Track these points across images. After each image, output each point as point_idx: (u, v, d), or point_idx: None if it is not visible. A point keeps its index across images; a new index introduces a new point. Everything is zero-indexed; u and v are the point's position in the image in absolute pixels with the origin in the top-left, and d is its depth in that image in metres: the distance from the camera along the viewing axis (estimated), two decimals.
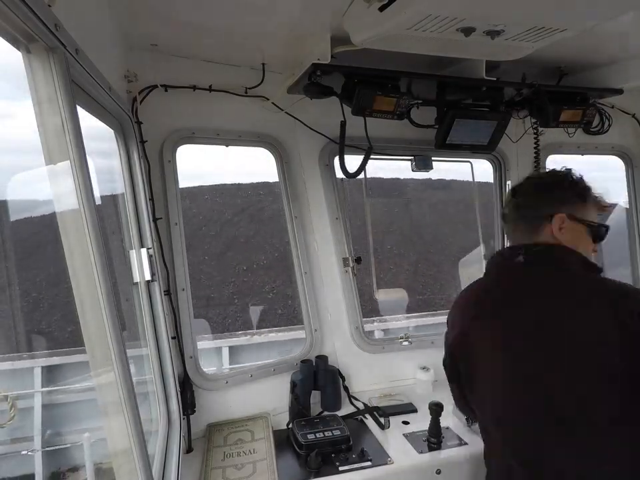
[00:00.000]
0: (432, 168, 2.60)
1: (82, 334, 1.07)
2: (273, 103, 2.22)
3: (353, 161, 2.11)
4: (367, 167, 2.13)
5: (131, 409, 1.12)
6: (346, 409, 2.29)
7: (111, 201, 1.84)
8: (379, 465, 1.81)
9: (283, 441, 2.00)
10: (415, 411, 2.26)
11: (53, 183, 1.03)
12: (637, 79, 2.22)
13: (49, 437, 4.33)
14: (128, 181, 1.81)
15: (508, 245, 1.53)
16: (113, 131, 1.74)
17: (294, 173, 2.39)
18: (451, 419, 2.14)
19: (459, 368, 1.49)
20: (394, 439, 2.01)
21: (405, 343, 2.56)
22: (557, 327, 1.23)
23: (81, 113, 1.12)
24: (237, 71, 2.17)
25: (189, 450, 1.97)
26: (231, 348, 5.02)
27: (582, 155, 2.97)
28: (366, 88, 1.89)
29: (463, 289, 1.60)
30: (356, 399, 2.37)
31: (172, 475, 1.58)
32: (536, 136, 2.51)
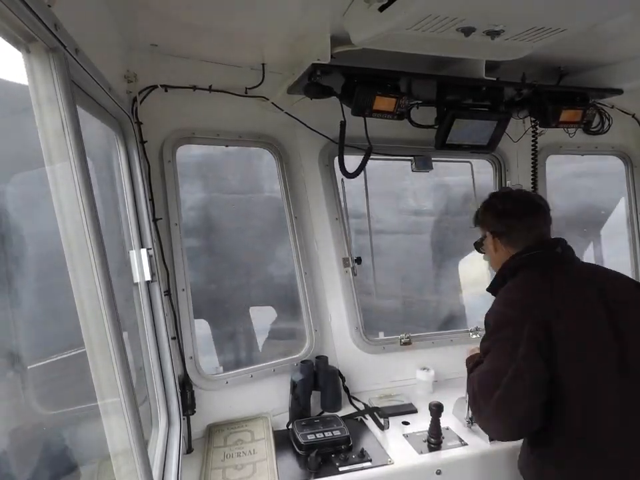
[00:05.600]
0: (432, 168, 2.60)
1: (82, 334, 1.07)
2: (272, 103, 2.22)
3: (353, 161, 2.11)
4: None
5: (131, 409, 1.12)
6: (346, 409, 2.29)
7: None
8: (379, 466, 1.81)
9: (283, 442, 2.00)
10: (415, 411, 2.26)
11: (53, 183, 1.02)
12: (637, 78, 2.22)
13: None
14: (128, 181, 1.81)
15: (538, 240, 1.73)
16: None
17: (294, 173, 2.39)
18: (451, 419, 2.13)
19: (552, 353, 1.46)
20: (394, 439, 2.00)
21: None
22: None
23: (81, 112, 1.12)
24: (236, 71, 2.17)
25: (189, 450, 1.97)
26: None
27: (582, 155, 2.97)
28: (366, 88, 1.89)
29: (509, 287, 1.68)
30: (356, 399, 2.37)
31: (172, 476, 1.58)
32: (534, 136, 2.51)
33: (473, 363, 1.73)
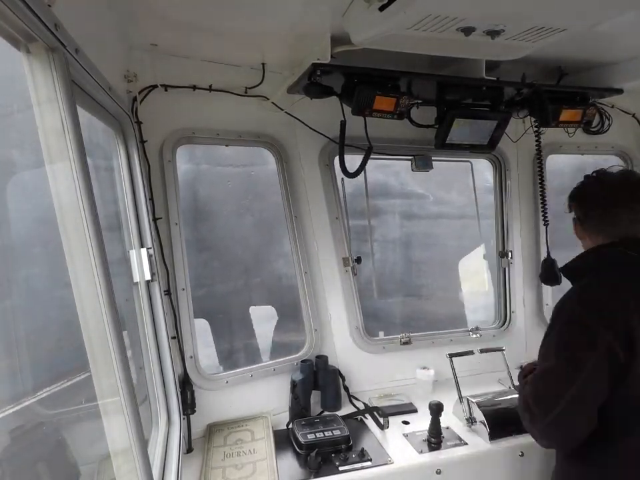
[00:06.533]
0: (432, 167, 2.60)
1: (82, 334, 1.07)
2: (273, 103, 2.22)
3: (352, 161, 2.11)
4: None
5: (131, 409, 1.12)
6: (346, 409, 2.29)
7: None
8: (379, 465, 1.81)
9: (283, 441, 2.00)
10: (415, 411, 2.26)
11: (53, 182, 1.03)
12: (637, 78, 2.22)
13: None
14: (128, 180, 1.81)
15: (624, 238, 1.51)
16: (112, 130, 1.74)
17: (294, 173, 2.39)
18: (451, 418, 2.14)
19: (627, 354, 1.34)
20: (394, 439, 2.01)
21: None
22: None
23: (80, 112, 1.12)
24: (237, 71, 2.17)
25: (189, 450, 1.97)
26: None
27: (582, 154, 2.97)
28: (366, 87, 1.89)
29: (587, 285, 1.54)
30: (356, 399, 2.37)
31: (172, 475, 1.58)
32: (537, 136, 2.49)
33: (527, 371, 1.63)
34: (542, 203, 2.70)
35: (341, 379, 2.37)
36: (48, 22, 0.93)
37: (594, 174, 1.64)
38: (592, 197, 1.59)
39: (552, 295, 2.80)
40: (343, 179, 2.46)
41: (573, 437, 1.45)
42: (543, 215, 2.71)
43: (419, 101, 2.22)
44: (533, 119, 2.44)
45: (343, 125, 2.02)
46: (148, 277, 1.80)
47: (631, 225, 1.51)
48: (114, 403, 1.11)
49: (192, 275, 2.14)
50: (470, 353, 2.33)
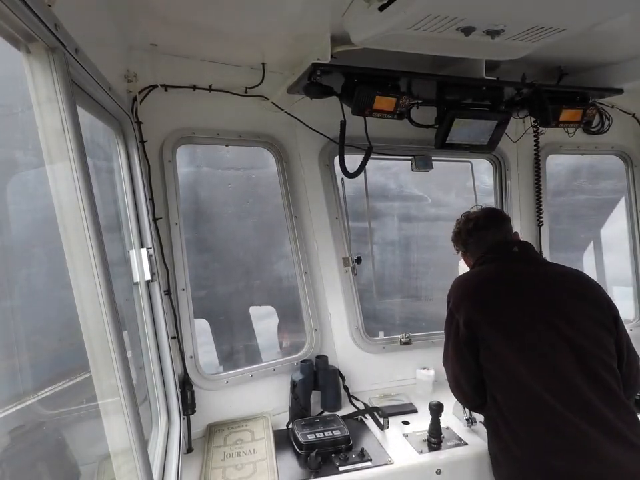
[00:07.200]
0: (432, 167, 2.60)
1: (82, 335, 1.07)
2: (273, 103, 2.22)
3: (352, 161, 2.11)
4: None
5: (131, 409, 1.12)
6: (346, 409, 2.29)
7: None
8: (379, 465, 1.81)
9: (283, 441, 2.00)
10: (415, 411, 2.26)
11: (53, 183, 1.03)
12: (637, 78, 2.22)
13: None
14: (128, 180, 1.81)
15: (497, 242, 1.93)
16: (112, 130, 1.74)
17: (294, 173, 2.39)
18: (451, 418, 2.14)
19: (484, 329, 1.68)
20: (394, 439, 2.01)
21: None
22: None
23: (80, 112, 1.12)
24: (237, 71, 2.17)
25: (189, 450, 1.97)
26: None
27: (582, 154, 2.97)
28: (366, 87, 1.89)
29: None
30: (356, 399, 2.37)
31: (172, 475, 1.58)
32: (536, 136, 2.51)
33: None
34: (537, 203, 2.73)
35: (341, 379, 2.37)
36: (48, 22, 0.93)
37: (461, 216, 2.09)
38: (466, 230, 2.01)
39: None
40: (342, 179, 2.46)
41: (466, 401, 1.84)
42: (537, 216, 2.74)
43: (419, 101, 2.22)
44: (532, 119, 2.44)
45: (343, 124, 2.02)
46: (148, 277, 1.80)
47: (483, 245, 1.94)
48: (114, 403, 1.11)
49: (193, 276, 2.15)
50: None
